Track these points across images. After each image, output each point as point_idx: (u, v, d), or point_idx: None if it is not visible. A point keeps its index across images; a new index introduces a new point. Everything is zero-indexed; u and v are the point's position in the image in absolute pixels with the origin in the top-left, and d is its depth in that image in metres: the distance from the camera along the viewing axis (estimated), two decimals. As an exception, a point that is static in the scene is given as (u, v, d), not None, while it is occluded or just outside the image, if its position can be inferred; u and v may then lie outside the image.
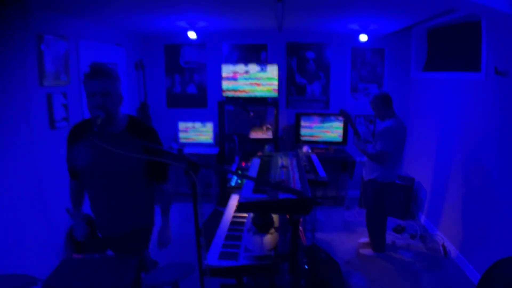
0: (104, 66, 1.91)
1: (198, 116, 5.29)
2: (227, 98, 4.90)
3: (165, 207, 2.23)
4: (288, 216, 1.94)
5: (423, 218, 4.48)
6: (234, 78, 4.84)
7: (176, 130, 5.20)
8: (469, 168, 3.45)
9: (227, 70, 4.82)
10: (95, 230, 3.64)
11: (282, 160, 2.68)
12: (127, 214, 2.11)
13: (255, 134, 4.95)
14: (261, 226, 2.21)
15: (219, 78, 4.94)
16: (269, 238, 2.12)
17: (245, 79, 4.83)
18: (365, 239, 3.89)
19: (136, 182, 2.05)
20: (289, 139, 5.26)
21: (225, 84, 4.86)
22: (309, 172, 2.81)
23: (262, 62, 5.12)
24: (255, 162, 2.70)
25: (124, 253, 2.16)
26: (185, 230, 4.27)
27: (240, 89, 4.86)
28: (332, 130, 5.04)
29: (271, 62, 5.13)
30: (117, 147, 1.81)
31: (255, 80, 4.83)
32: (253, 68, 4.80)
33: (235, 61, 5.18)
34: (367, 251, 3.75)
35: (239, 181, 2.93)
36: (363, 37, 4.52)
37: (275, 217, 2.32)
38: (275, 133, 4.94)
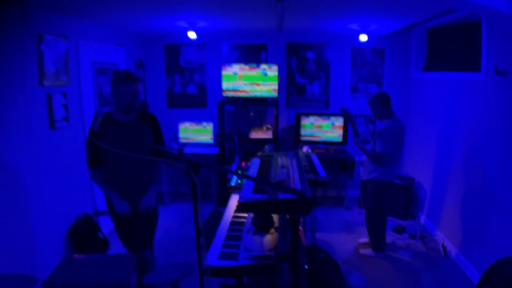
0: (134, 72, 2.47)
1: (198, 116, 5.29)
2: (227, 98, 4.90)
3: (157, 177, 2.66)
4: (288, 216, 1.94)
5: (423, 218, 4.48)
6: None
7: (176, 130, 5.20)
8: (469, 168, 3.45)
9: (227, 70, 4.82)
10: (95, 230, 3.65)
11: (282, 160, 2.68)
12: (140, 182, 2.57)
13: (255, 134, 4.95)
14: (261, 226, 2.21)
15: (219, 78, 4.94)
16: (269, 238, 2.12)
17: (245, 79, 4.83)
18: (364, 239, 3.89)
19: (141, 154, 2.47)
20: (289, 139, 5.27)
21: (225, 84, 4.86)
22: (309, 172, 2.81)
23: (262, 62, 5.12)
24: (255, 162, 2.70)
25: (140, 221, 2.58)
26: (185, 230, 4.28)
27: (240, 89, 4.86)
28: (332, 130, 5.04)
29: (271, 62, 5.13)
30: (132, 130, 2.48)
31: (255, 80, 4.83)
32: (253, 68, 4.80)
33: (235, 61, 5.18)
34: (367, 251, 3.75)
35: (239, 181, 2.92)
36: (363, 37, 4.52)
37: (275, 217, 2.32)
38: (275, 133, 4.94)
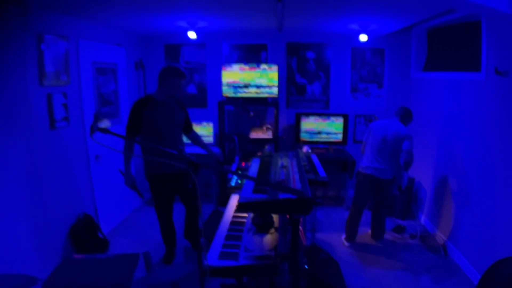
0: (184, 70, 3.18)
1: (198, 116, 5.29)
2: (227, 98, 4.90)
3: (203, 143, 3.63)
4: (288, 216, 1.94)
5: (423, 218, 4.48)
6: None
7: (176, 130, 5.19)
8: (469, 168, 3.45)
9: (227, 70, 4.82)
10: (95, 230, 3.65)
11: (282, 160, 2.68)
12: (177, 148, 3.25)
13: (255, 134, 4.95)
14: (261, 226, 2.21)
15: (219, 78, 4.94)
16: (269, 238, 2.12)
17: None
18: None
19: (180, 129, 3.36)
20: (289, 139, 5.26)
21: (225, 86, 4.85)
22: (309, 172, 2.81)
23: (262, 62, 5.12)
24: (255, 162, 2.70)
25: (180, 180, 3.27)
26: (185, 230, 4.27)
27: (240, 89, 4.86)
28: (332, 130, 5.04)
29: (271, 62, 5.13)
30: (170, 110, 3.21)
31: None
32: (253, 68, 4.80)
33: (235, 61, 5.18)
34: (346, 243, 3.95)
35: (239, 181, 2.92)
36: (363, 37, 4.52)
37: (275, 217, 2.32)
38: (275, 133, 4.94)
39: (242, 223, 2.36)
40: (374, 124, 3.86)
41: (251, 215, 2.37)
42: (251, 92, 4.87)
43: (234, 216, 2.48)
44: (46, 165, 3.08)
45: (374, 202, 3.91)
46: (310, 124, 5.06)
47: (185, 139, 3.52)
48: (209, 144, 5.09)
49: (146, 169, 3.21)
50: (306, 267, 2.86)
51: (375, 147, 3.73)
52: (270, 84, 4.83)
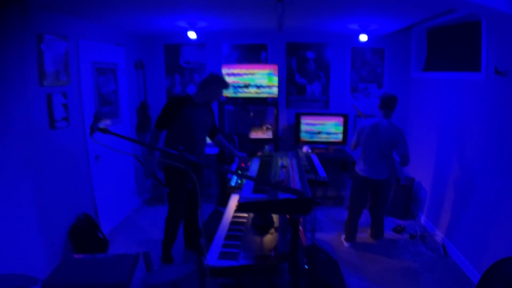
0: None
1: (198, 116, 5.29)
2: (227, 98, 4.90)
3: (228, 147, 3.58)
4: (288, 216, 1.94)
5: (423, 218, 4.48)
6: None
7: (176, 130, 5.19)
8: (469, 168, 3.45)
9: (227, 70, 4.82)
10: (95, 230, 3.65)
11: (282, 160, 2.69)
12: (202, 150, 3.42)
13: (255, 134, 4.95)
14: (261, 226, 2.21)
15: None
16: (269, 238, 2.12)
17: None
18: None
19: (207, 133, 3.45)
20: (289, 139, 5.27)
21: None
22: (309, 172, 2.81)
23: (262, 62, 5.13)
24: (255, 162, 2.70)
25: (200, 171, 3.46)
26: (185, 230, 4.26)
27: (240, 89, 4.86)
28: (332, 130, 5.04)
29: (271, 62, 5.13)
30: (204, 112, 3.34)
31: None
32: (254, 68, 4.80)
33: (235, 61, 5.18)
34: (346, 243, 3.96)
35: (239, 181, 2.93)
36: (363, 37, 4.52)
37: (275, 217, 2.32)
38: (275, 133, 4.94)
39: (242, 223, 2.36)
40: (363, 126, 3.74)
41: (251, 215, 2.37)
42: (251, 92, 4.88)
43: (234, 216, 2.48)
44: (46, 165, 3.08)
45: (371, 202, 3.92)
46: (310, 124, 5.05)
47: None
48: (209, 144, 5.10)
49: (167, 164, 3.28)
50: (306, 267, 2.86)
51: (368, 150, 3.69)
52: (270, 84, 4.83)
